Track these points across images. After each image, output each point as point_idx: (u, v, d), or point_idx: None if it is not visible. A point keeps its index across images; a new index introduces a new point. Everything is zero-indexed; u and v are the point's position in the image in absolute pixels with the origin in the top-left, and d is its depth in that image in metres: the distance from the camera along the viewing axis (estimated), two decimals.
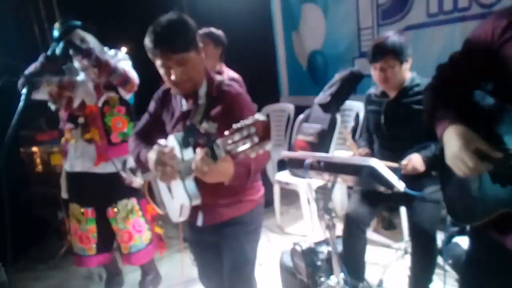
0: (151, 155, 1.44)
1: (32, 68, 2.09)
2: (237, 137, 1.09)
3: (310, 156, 1.84)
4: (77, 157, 2.28)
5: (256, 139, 1.06)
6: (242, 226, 1.60)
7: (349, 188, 3.22)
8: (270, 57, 4.69)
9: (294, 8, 4.33)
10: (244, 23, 4.11)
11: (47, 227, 3.61)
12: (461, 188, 1.20)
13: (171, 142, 1.50)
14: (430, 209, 1.97)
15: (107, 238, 2.36)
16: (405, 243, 2.44)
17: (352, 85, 3.34)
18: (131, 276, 2.70)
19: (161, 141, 1.49)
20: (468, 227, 1.45)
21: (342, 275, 1.89)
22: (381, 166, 1.65)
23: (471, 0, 2.79)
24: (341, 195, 3.49)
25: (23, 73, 2.03)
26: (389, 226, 3.18)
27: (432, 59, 2.90)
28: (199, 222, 1.60)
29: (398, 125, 2.05)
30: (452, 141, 1.08)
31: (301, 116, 3.66)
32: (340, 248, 2.12)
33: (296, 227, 3.52)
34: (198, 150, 1.26)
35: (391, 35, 1.99)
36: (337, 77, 3.36)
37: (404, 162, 1.91)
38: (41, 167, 3.46)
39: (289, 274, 2.23)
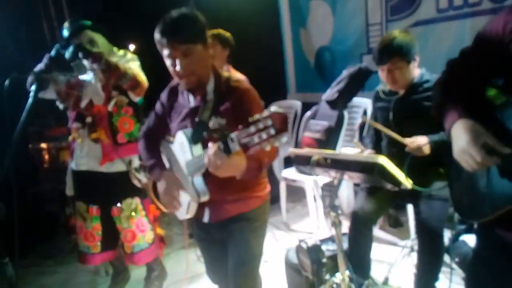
0: (161, 186, 1.62)
1: (37, 69, 2.10)
2: (252, 129, 1.09)
3: (317, 153, 1.84)
4: (83, 156, 2.30)
5: (272, 131, 1.06)
6: (249, 222, 1.60)
7: (356, 185, 3.21)
8: (278, 53, 4.67)
9: (302, 4, 4.30)
10: (252, 19, 4.10)
11: (55, 223, 3.65)
12: (468, 184, 1.19)
13: (180, 138, 1.50)
14: (438, 206, 1.95)
15: (112, 236, 2.38)
16: (412, 240, 2.42)
17: (360, 81, 3.31)
18: (137, 271, 2.72)
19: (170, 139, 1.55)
20: (475, 225, 1.43)
21: (347, 272, 1.88)
22: (389, 164, 1.64)
23: None
24: (348, 192, 3.47)
25: (32, 71, 2.05)
26: (396, 224, 3.17)
27: (442, 55, 2.87)
28: (206, 218, 1.61)
29: (406, 122, 2.03)
30: (460, 135, 1.07)
31: (308, 113, 3.64)
32: (346, 245, 2.11)
33: (302, 224, 3.51)
34: (210, 144, 1.26)
35: (397, 36, 1.97)
36: (345, 73, 3.34)
37: (409, 140, 1.90)
38: (50, 163, 3.50)
39: (294, 271, 2.22)
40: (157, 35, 1.43)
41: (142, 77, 2.26)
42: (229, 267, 1.61)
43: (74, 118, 2.31)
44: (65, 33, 2.19)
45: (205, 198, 1.49)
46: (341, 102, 3.31)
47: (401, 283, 2.32)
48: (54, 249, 3.40)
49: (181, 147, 1.52)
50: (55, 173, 3.51)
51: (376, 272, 2.33)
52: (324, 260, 2.03)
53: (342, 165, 1.75)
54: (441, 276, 2.03)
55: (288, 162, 3.59)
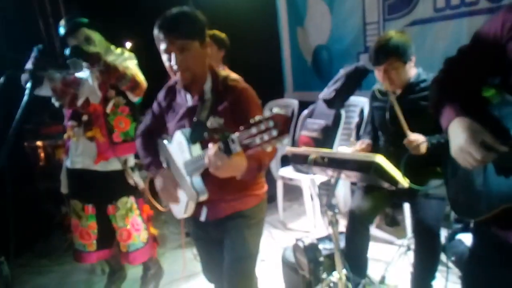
0: (158, 183, 1.62)
1: (28, 65, 2.05)
2: (254, 131, 1.08)
3: (314, 152, 1.83)
4: (78, 155, 2.29)
5: (274, 133, 1.05)
6: (245, 219, 1.60)
7: (353, 184, 3.21)
8: (275, 52, 4.66)
9: (299, 3, 4.30)
10: (250, 18, 4.09)
11: (50, 222, 3.63)
12: (465, 183, 1.19)
13: (178, 138, 1.50)
14: (434, 205, 1.96)
15: (107, 235, 2.37)
16: (408, 239, 2.43)
17: (357, 80, 3.32)
18: (134, 270, 2.71)
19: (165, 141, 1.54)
20: (471, 224, 1.43)
21: (344, 271, 1.88)
22: (386, 163, 1.63)
23: None
24: (345, 191, 3.48)
25: (26, 68, 2.02)
26: (392, 223, 3.17)
27: (439, 55, 2.88)
28: (203, 217, 1.61)
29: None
30: (458, 133, 1.07)
31: (305, 112, 3.64)
32: (342, 244, 2.11)
33: (299, 223, 3.51)
34: (211, 145, 1.26)
35: (393, 36, 1.97)
36: (342, 72, 3.34)
37: (414, 137, 1.89)
38: (45, 161, 3.47)
39: (291, 270, 2.22)
40: (155, 30, 1.44)
41: (141, 77, 2.24)
42: (224, 264, 1.60)
43: (70, 116, 2.29)
44: (61, 31, 2.18)
45: (203, 197, 1.48)
46: (338, 101, 3.32)
47: (397, 282, 2.32)
48: (49, 248, 3.38)
49: (179, 146, 1.51)
50: (50, 171, 3.48)
51: (373, 270, 2.33)
52: (321, 259, 2.03)
53: (339, 164, 1.75)
54: (437, 274, 2.04)
55: (285, 160, 3.59)
